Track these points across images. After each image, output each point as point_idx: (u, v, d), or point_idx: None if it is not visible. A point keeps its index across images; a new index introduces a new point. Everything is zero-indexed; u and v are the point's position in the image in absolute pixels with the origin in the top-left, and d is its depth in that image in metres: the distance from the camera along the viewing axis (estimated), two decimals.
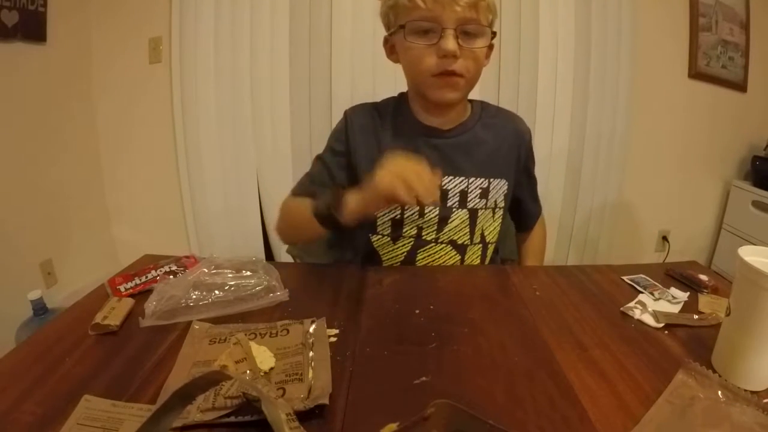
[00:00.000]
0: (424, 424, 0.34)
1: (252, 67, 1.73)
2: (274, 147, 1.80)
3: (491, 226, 0.83)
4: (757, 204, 1.95)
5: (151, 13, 1.72)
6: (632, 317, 0.59)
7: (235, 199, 1.88)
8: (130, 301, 0.58)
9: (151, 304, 0.56)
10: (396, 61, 0.77)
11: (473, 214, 0.80)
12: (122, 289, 0.62)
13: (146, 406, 0.40)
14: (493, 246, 0.85)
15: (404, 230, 0.80)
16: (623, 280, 0.69)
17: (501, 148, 0.83)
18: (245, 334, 0.49)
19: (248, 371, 0.44)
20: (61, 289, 1.68)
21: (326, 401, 0.40)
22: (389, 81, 1.71)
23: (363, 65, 1.72)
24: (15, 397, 0.41)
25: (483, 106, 0.86)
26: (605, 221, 2.02)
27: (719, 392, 0.42)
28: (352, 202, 0.67)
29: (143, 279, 0.64)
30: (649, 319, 0.57)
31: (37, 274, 1.60)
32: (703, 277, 0.68)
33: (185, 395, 0.36)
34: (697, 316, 0.58)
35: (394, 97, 0.86)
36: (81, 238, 1.80)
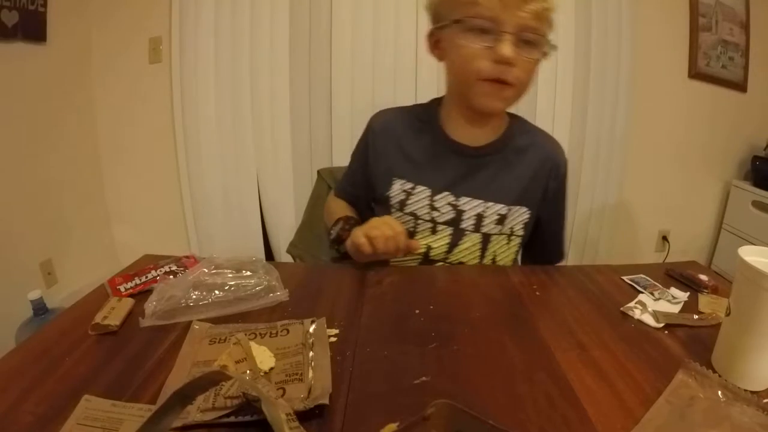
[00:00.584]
0: (424, 424, 0.34)
1: (252, 67, 1.73)
2: (274, 147, 1.80)
3: (504, 252, 0.78)
4: (757, 204, 1.96)
5: (151, 13, 1.72)
6: (632, 317, 0.58)
7: (235, 199, 1.88)
8: (130, 301, 0.58)
9: (151, 304, 0.56)
10: (439, 58, 0.72)
11: (486, 238, 0.76)
12: (122, 289, 0.62)
13: (146, 406, 0.40)
14: None
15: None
16: (623, 280, 0.69)
17: (529, 175, 0.77)
18: (245, 334, 0.49)
19: (248, 371, 0.44)
20: (61, 289, 1.68)
21: (326, 401, 0.40)
22: (389, 81, 1.71)
23: (363, 65, 1.72)
24: (15, 397, 0.41)
25: (521, 123, 0.80)
26: (605, 221, 2.02)
27: (719, 392, 0.42)
28: (349, 243, 0.70)
29: (143, 279, 0.64)
30: (649, 319, 0.57)
31: (37, 274, 1.60)
32: (703, 277, 0.68)
33: (185, 395, 0.36)
34: (697, 316, 0.58)
35: (424, 104, 0.82)
36: (81, 238, 1.80)
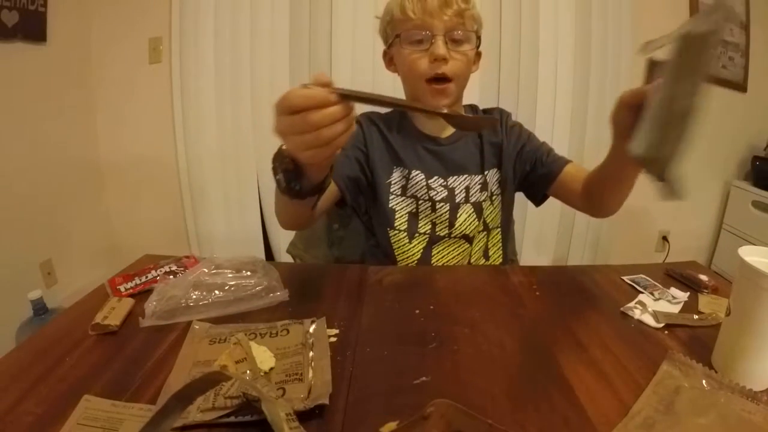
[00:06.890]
0: (423, 423, 0.34)
1: (252, 67, 1.73)
2: (274, 147, 1.80)
3: (490, 211, 0.88)
4: (757, 204, 1.95)
5: (151, 13, 1.72)
6: (632, 317, 0.59)
7: (236, 199, 1.87)
8: (130, 301, 0.58)
9: (151, 304, 0.56)
10: (394, 71, 0.84)
11: (478, 207, 0.86)
12: (122, 289, 0.62)
13: (146, 406, 0.40)
14: (496, 231, 0.89)
15: (419, 225, 0.84)
16: (623, 280, 0.69)
17: (488, 142, 0.88)
18: (245, 334, 0.49)
19: (248, 371, 0.44)
20: (61, 289, 1.68)
21: (326, 401, 0.40)
22: (388, 83, 1.71)
23: (363, 65, 1.72)
24: (15, 397, 0.41)
25: (473, 110, 0.94)
26: (605, 221, 2.02)
27: (703, 381, 0.43)
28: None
29: (143, 279, 0.64)
30: (649, 319, 0.57)
31: (37, 274, 1.60)
32: (703, 277, 0.68)
33: (185, 396, 0.36)
34: (697, 316, 0.58)
35: (391, 111, 0.92)
36: (81, 238, 1.80)
